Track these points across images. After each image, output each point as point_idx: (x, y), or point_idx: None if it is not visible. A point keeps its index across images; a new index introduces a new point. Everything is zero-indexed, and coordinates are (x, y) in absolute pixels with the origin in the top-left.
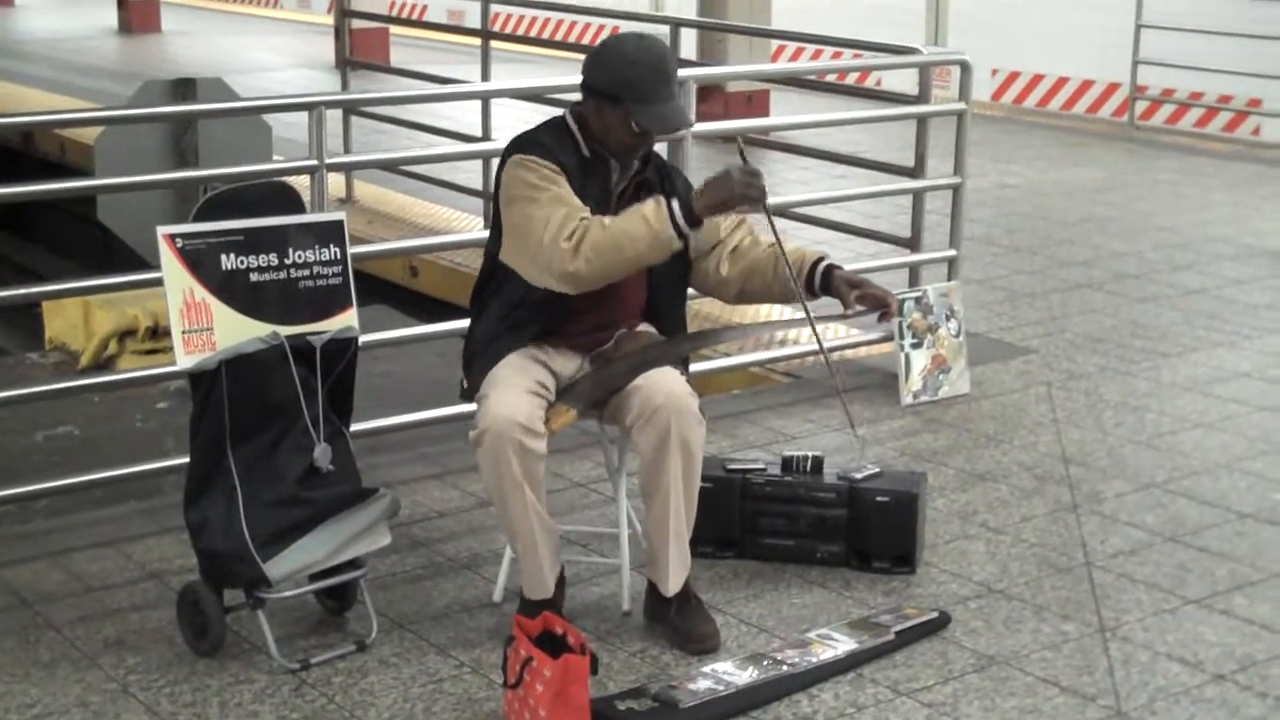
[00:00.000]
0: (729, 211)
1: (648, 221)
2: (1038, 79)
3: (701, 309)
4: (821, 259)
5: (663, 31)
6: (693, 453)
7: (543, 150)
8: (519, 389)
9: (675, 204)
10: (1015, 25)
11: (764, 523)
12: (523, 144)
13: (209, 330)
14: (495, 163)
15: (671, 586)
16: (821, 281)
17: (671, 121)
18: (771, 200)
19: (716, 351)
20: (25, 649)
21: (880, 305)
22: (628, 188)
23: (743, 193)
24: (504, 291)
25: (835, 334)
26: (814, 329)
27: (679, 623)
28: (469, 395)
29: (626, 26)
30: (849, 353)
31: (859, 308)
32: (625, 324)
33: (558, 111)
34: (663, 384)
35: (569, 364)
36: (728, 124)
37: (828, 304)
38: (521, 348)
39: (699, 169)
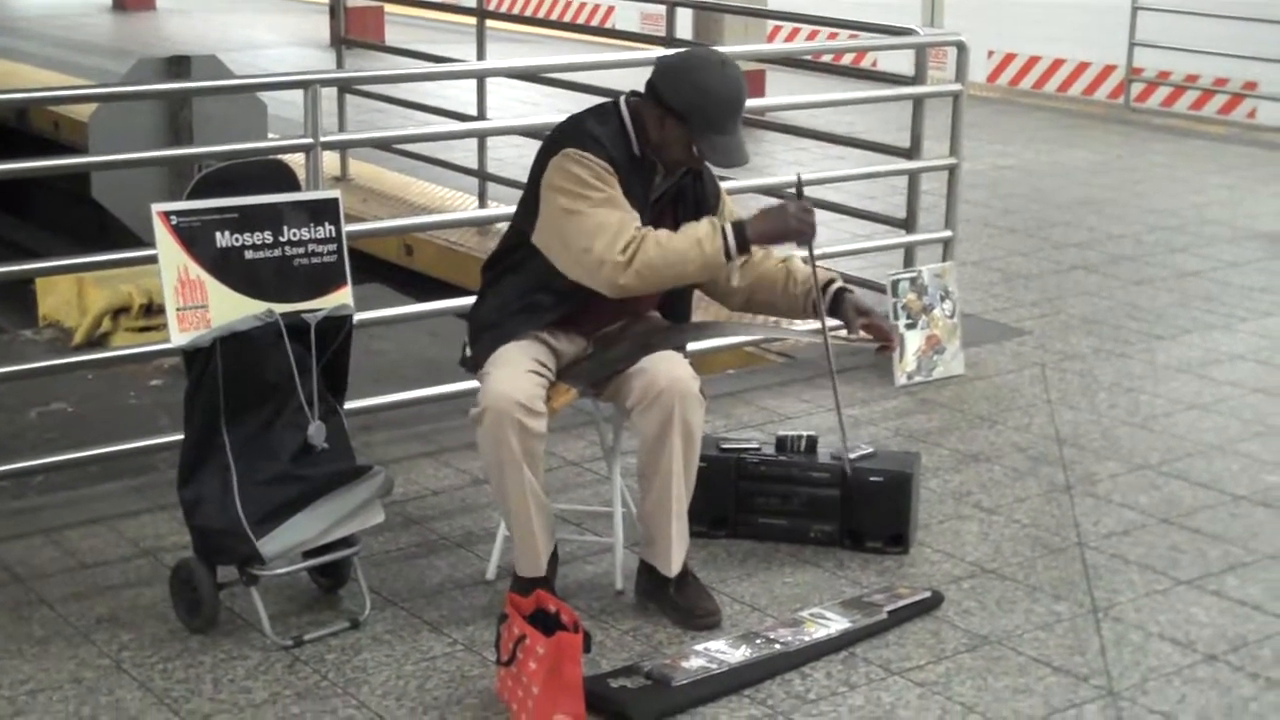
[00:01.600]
0: (780, 243)
1: (701, 245)
2: (1034, 60)
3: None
4: (833, 280)
5: (659, 11)
6: (693, 435)
7: (597, 146)
8: (520, 368)
9: (729, 228)
10: (1011, 6)
11: (758, 502)
12: (578, 135)
13: (204, 308)
14: (491, 142)
15: (674, 567)
16: (831, 303)
17: (733, 156)
18: (769, 180)
19: None
20: (18, 625)
21: (883, 338)
22: (666, 193)
23: (797, 227)
24: (525, 270)
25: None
26: (829, 353)
27: (680, 600)
28: (471, 366)
29: (622, 7)
30: (844, 333)
31: (862, 334)
32: (636, 314)
33: (552, 90)
34: (666, 367)
35: (572, 345)
36: None
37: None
38: (534, 331)
39: None
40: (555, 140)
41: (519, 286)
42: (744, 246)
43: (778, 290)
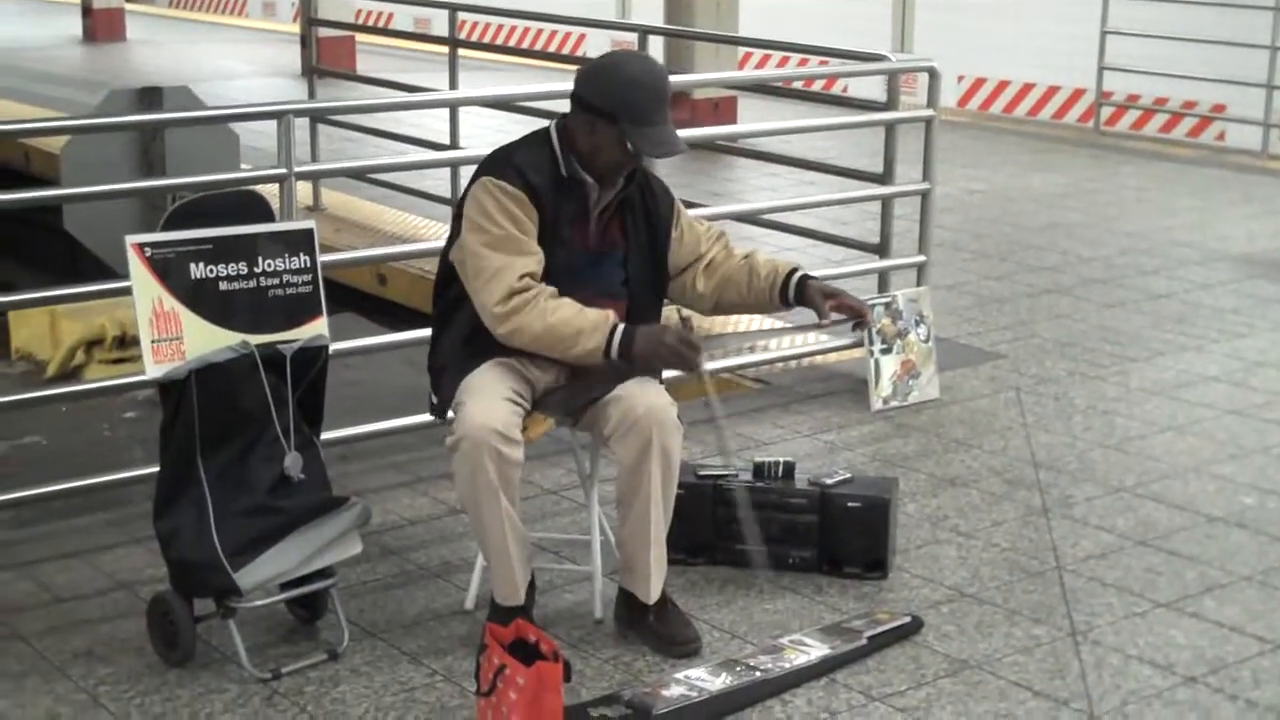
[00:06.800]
0: (659, 366)
1: (581, 338)
2: (1004, 85)
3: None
4: (795, 270)
5: (630, 39)
6: (672, 461)
7: (515, 173)
8: (496, 396)
9: (619, 333)
10: (981, 32)
11: (736, 528)
12: (497, 163)
13: (178, 339)
14: (464, 171)
15: (652, 594)
16: (796, 292)
17: (666, 145)
18: (741, 207)
19: None
20: None
21: (855, 314)
22: (611, 204)
23: (667, 357)
24: (467, 304)
25: (806, 341)
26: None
27: (660, 628)
28: (439, 411)
29: (593, 35)
30: (819, 358)
31: (835, 317)
32: None
33: (524, 119)
34: (643, 394)
35: (546, 374)
36: (695, 131)
37: (799, 313)
38: (501, 357)
39: (665, 175)
40: (479, 168)
41: (469, 321)
42: (626, 355)
43: (743, 288)
